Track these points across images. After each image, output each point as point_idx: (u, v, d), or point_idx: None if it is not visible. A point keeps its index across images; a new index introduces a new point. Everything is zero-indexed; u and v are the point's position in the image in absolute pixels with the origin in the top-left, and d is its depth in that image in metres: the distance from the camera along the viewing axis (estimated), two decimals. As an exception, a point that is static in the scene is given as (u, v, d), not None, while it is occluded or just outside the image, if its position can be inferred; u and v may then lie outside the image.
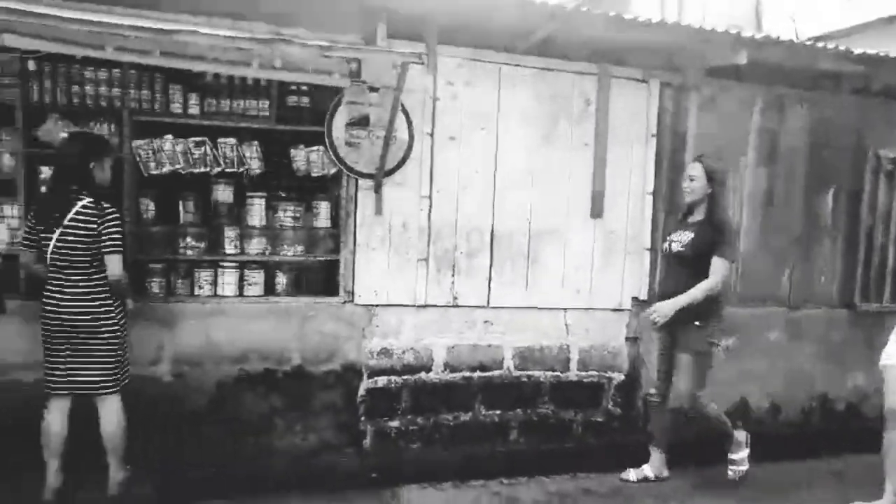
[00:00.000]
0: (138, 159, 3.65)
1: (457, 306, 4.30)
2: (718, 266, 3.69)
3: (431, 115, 4.03)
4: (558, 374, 4.55)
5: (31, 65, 3.24)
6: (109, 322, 3.23)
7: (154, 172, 3.70)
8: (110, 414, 3.29)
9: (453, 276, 4.26)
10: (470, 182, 4.20)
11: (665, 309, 3.73)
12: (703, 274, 3.70)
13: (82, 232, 3.14)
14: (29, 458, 3.26)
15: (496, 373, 4.44)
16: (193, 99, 3.73)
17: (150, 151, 3.66)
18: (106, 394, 3.27)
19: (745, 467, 4.03)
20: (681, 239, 3.82)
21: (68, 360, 3.21)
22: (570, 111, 4.36)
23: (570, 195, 4.43)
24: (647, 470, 4.04)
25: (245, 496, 3.52)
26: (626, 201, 4.54)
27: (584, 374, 4.61)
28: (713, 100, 4.63)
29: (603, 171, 4.42)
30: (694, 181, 3.80)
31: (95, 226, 3.14)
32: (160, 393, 3.79)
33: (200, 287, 3.85)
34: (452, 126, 4.13)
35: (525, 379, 4.49)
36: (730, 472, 4.02)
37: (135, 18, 3.02)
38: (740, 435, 4.06)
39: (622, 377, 4.67)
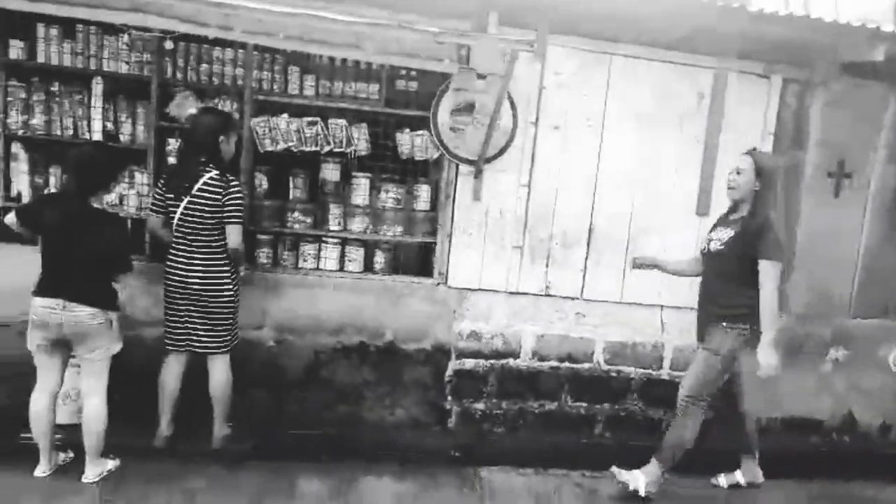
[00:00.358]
0: (255, 136, 3.86)
1: (549, 295, 4.28)
2: (769, 270, 3.35)
3: (537, 104, 3.99)
4: (650, 371, 4.45)
5: (169, 44, 3.48)
6: (226, 288, 3.45)
7: (269, 149, 3.90)
8: (219, 373, 3.54)
9: (547, 265, 4.23)
10: (571, 173, 4.14)
11: (773, 360, 3.39)
12: (742, 275, 3.40)
13: (208, 202, 3.33)
14: (146, 406, 3.57)
15: (585, 365, 4.40)
16: (309, 81, 3.88)
17: (267, 129, 3.86)
18: (217, 353, 3.52)
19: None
20: (720, 237, 3.52)
21: (186, 320, 3.46)
22: (681, 105, 4.19)
23: (676, 191, 4.27)
24: (739, 476, 3.89)
25: (334, 461, 3.70)
26: (736, 201, 4.33)
27: (677, 373, 4.47)
28: (842, 97, 4.29)
29: (712, 169, 4.22)
30: (740, 175, 3.44)
31: (220, 197, 3.33)
32: (262, 357, 4.04)
33: (304, 260, 4.05)
34: (557, 115, 4.08)
35: (615, 374, 4.43)
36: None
37: (262, 2, 3.17)
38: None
39: (716, 380, 4.51)
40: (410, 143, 4.01)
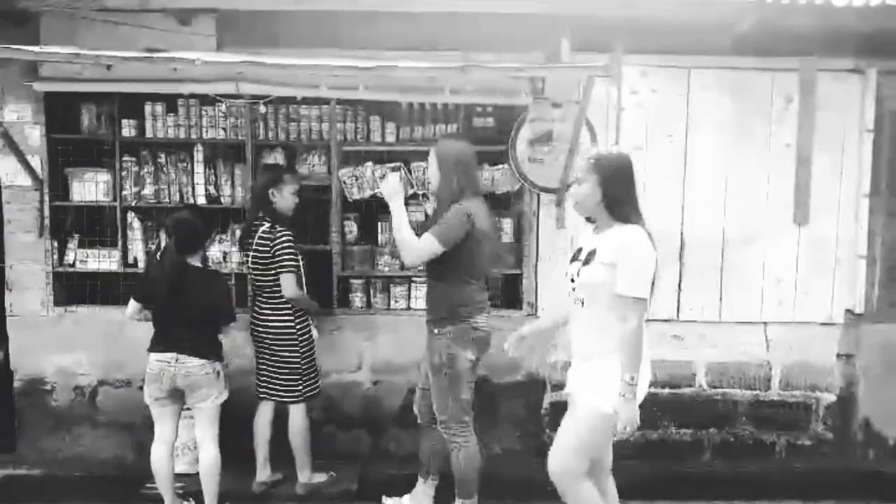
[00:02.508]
0: (343, 185, 3.98)
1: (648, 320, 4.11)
2: None
3: (616, 126, 3.91)
4: (757, 392, 4.17)
5: (262, 108, 3.69)
6: (291, 337, 3.50)
7: (356, 197, 4.00)
8: (294, 420, 3.58)
9: (639, 288, 4.08)
10: (657, 191, 4.00)
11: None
12: None
13: (262, 254, 3.44)
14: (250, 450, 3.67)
15: (687, 390, 4.18)
16: (390, 128, 3.98)
17: (353, 178, 3.97)
18: (290, 402, 3.56)
19: None
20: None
21: (262, 368, 3.59)
22: (767, 111, 3.99)
23: (769, 200, 4.04)
24: None
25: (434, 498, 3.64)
26: (837, 205, 4.04)
27: (787, 393, 4.18)
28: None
29: (807, 174, 3.98)
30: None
31: (269, 248, 3.42)
32: (360, 398, 4.08)
33: (396, 301, 4.09)
34: (638, 135, 3.97)
35: (719, 397, 4.18)
36: None
37: (343, 59, 3.30)
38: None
39: (833, 398, 4.17)
40: (490, 177, 4.01)
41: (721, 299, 4.09)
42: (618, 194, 2.59)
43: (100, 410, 4.02)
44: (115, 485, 3.79)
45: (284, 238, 3.43)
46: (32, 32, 3.72)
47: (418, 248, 2.99)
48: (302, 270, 3.56)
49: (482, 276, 3.22)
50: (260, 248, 3.45)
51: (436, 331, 3.13)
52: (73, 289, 4.02)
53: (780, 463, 4.18)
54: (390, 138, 3.99)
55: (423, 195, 3.98)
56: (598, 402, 2.57)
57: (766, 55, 3.93)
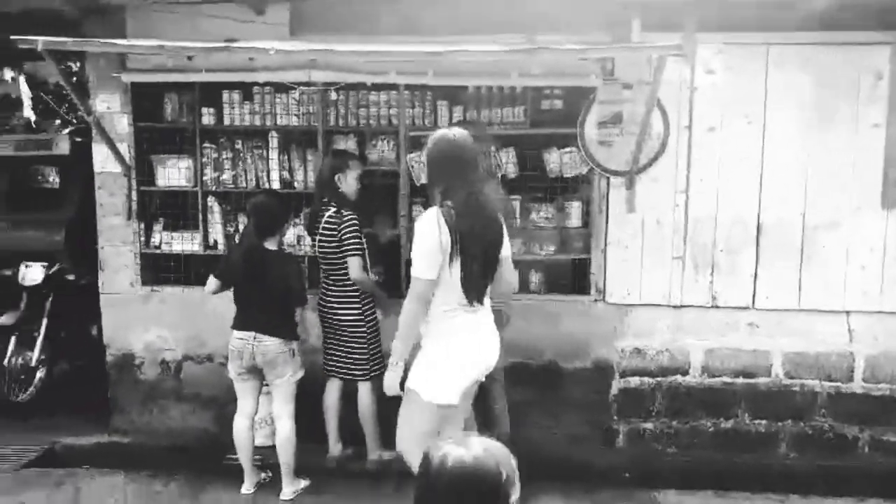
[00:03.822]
0: (410, 170, 4.01)
1: (716, 307, 3.97)
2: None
3: (688, 106, 3.78)
4: (838, 384, 3.97)
5: (334, 95, 3.75)
6: (356, 318, 3.58)
7: (423, 182, 4.02)
8: (362, 398, 3.65)
9: (712, 274, 3.94)
10: (732, 174, 3.85)
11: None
12: None
13: (329, 238, 3.51)
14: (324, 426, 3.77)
15: (762, 380, 4.02)
16: (457, 112, 3.97)
17: (421, 163, 3.98)
18: (359, 380, 3.63)
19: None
20: None
21: (329, 347, 3.66)
22: (853, 89, 3.75)
23: (855, 183, 3.81)
24: None
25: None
26: (931, 188, 3.78)
27: (872, 385, 3.96)
28: None
29: (898, 155, 3.74)
30: None
31: (336, 232, 3.48)
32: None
33: (463, 284, 4.09)
34: (712, 115, 3.81)
35: (797, 388, 4.00)
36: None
37: (411, 45, 3.32)
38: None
39: (923, 392, 3.91)
40: (559, 160, 3.95)
41: (800, 287, 3.90)
42: (430, 178, 2.70)
43: (184, 384, 4.23)
44: (198, 455, 3.98)
45: (351, 222, 3.49)
46: (118, 27, 3.91)
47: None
48: (367, 254, 3.62)
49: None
50: (326, 232, 3.53)
51: None
52: (158, 269, 4.23)
53: (862, 458, 3.98)
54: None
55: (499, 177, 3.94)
56: (413, 385, 2.67)
57: (852, 29, 3.68)
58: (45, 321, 4.73)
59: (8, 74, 7.74)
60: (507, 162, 3.96)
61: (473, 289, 2.56)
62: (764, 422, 4.04)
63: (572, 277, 4.20)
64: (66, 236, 4.85)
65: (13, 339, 4.58)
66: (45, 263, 4.76)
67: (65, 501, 3.56)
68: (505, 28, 3.67)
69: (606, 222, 3.95)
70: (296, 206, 4.07)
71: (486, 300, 2.68)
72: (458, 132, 2.67)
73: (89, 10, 3.79)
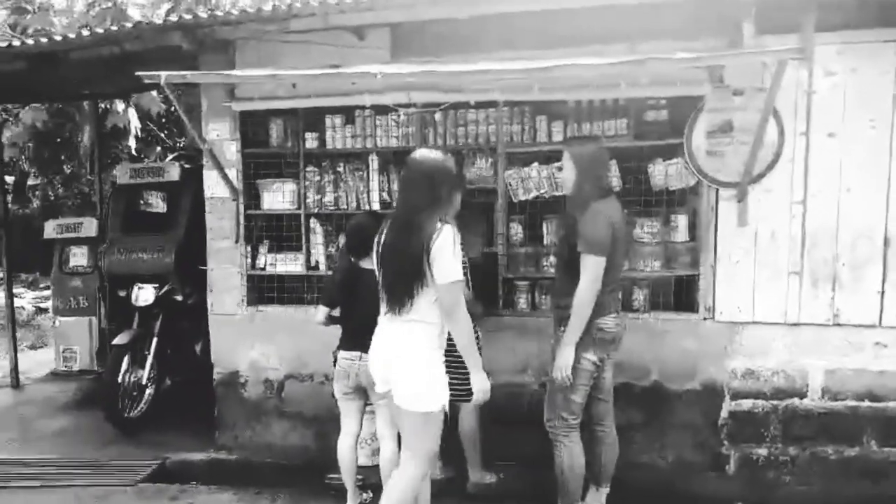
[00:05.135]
0: (508, 187, 3.89)
1: (838, 325, 3.63)
2: (585, 263, 2.95)
3: (806, 112, 3.49)
4: (983, 410, 3.54)
5: (438, 116, 3.70)
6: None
7: (522, 198, 3.90)
8: (463, 419, 3.53)
9: (833, 290, 3.61)
10: (855, 182, 3.53)
11: (562, 360, 3.04)
12: (570, 272, 3.03)
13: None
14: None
15: (892, 404, 3.63)
16: (557, 127, 3.84)
17: (519, 179, 3.87)
18: (458, 401, 3.43)
19: None
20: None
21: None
22: None
23: None
24: None
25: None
26: None
27: None
28: None
29: None
30: (562, 171, 3.14)
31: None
32: (527, 399, 3.93)
33: (561, 302, 3.92)
34: (832, 121, 3.52)
35: (932, 413, 3.59)
36: None
37: (514, 63, 3.22)
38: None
39: None
40: (664, 172, 3.74)
41: (935, 302, 3.51)
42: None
43: (286, 402, 4.22)
44: (300, 473, 3.94)
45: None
46: (228, 58, 4.02)
47: (587, 281, 2.92)
48: (468, 273, 3.49)
49: (614, 278, 3.04)
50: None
51: (561, 328, 3.07)
52: (262, 290, 4.27)
53: None
54: (557, 137, 3.83)
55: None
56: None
57: None
58: (155, 340, 4.88)
59: (120, 107, 8.24)
60: (611, 175, 3.77)
61: (386, 297, 2.67)
62: (894, 450, 3.63)
63: (679, 294, 3.96)
64: (175, 259, 5.01)
65: (126, 357, 4.72)
66: (156, 285, 4.93)
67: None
68: (606, 39, 3.53)
69: (715, 236, 3.69)
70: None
71: (416, 313, 2.61)
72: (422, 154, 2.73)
73: (203, 44, 3.90)
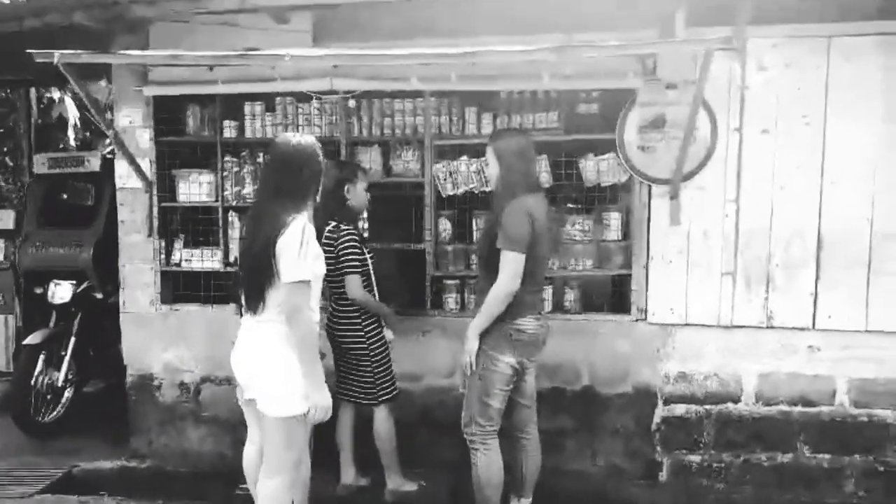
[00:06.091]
0: (437, 181, 3.67)
1: (771, 328, 3.49)
2: (503, 259, 2.72)
3: (739, 108, 3.34)
4: (915, 415, 3.43)
5: (352, 103, 3.44)
6: (359, 339, 3.22)
7: (450, 193, 3.68)
8: (377, 423, 3.30)
9: (767, 291, 3.46)
10: (788, 181, 3.39)
11: (468, 345, 2.87)
12: (491, 271, 2.80)
13: (328, 254, 3.12)
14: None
15: (825, 409, 3.50)
16: (486, 119, 3.63)
17: (448, 173, 3.65)
18: (367, 405, 3.29)
19: None
20: None
21: (338, 370, 3.33)
22: (930, 84, 3.27)
23: (931, 190, 3.31)
24: None
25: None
26: None
27: (953, 417, 3.41)
28: None
29: (983, 158, 3.22)
30: (488, 166, 2.97)
31: (333, 248, 3.14)
32: (454, 403, 3.71)
33: (492, 302, 3.71)
34: (765, 117, 3.37)
35: (865, 419, 3.47)
36: None
37: (432, 48, 3.00)
38: None
39: None
40: (595, 168, 3.55)
41: (867, 305, 3.39)
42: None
43: (202, 406, 3.94)
44: (214, 482, 3.66)
45: (348, 237, 3.16)
46: (143, 40, 3.71)
47: (504, 278, 2.71)
48: (371, 270, 3.27)
49: (534, 277, 2.82)
50: (326, 249, 3.15)
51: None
52: (178, 287, 3.98)
53: (945, 499, 3.41)
54: (487, 129, 3.62)
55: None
56: None
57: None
58: (72, 340, 4.53)
59: (56, 94, 7.76)
60: (540, 170, 3.57)
61: (243, 296, 2.48)
62: (827, 456, 3.52)
63: (611, 295, 3.78)
64: (94, 254, 4.66)
65: (41, 358, 4.37)
66: (74, 282, 4.58)
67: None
68: (539, 28, 3.32)
69: (648, 235, 3.52)
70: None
71: (269, 313, 2.42)
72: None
73: (111, 23, 3.59)
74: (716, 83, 3.22)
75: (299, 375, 2.41)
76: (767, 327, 3.49)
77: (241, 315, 2.60)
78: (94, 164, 4.91)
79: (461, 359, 2.88)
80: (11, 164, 11.08)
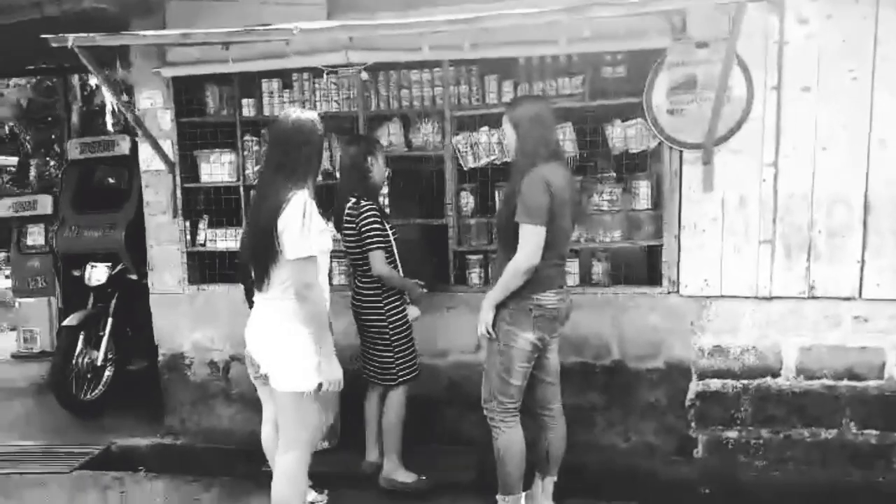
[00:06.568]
0: (457, 153, 3.56)
1: (814, 298, 3.29)
2: (522, 233, 2.59)
3: (777, 65, 3.11)
4: (971, 387, 3.20)
5: (364, 75, 3.35)
6: (377, 318, 3.14)
7: (472, 165, 3.57)
8: (388, 403, 3.21)
9: (808, 260, 3.26)
10: (832, 141, 3.16)
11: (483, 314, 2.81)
12: (509, 242, 2.71)
13: (348, 231, 3.10)
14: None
15: (873, 383, 3.31)
16: (507, 87, 3.48)
17: (468, 145, 3.54)
18: (384, 385, 3.21)
19: None
20: None
21: (363, 350, 3.27)
22: None
23: None
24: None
25: (570, 495, 3.13)
26: None
27: None
28: None
29: None
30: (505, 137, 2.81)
31: (355, 225, 3.06)
32: (479, 378, 3.63)
33: (516, 276, 3.60)
34: (807, 74, 3.14)
35: (917, 392, 3.26)
36: None
37: (444, 14, 2.87)
38: None
39: None
40: (623, 135, 3.38)
41: (920, 271, 3.16)
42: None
43: (232, 385, 3.98)
44: (243, 459, 3.68)
45: (369, 213, 3.07)
46: (160, 22, 3.69)
47: (524, 252, 2.59)
48: (394, 246, 3.18)
49: (556, 249, 2.68)
50: (346, 226, 3.14)
51: (505, 307, 2.74)
52: (204, 268, 4.00)
53: None
54: (508, 98, 3.47)
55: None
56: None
57: None
58: (109, 320, 4.64)
59: (93, 81, 7.94)
60: (564, 138, 3.43)
61: (253, 270, 2.45)
62: (875, 432, 3.33)
63: (642, 267, 3.62)
64: (127, 236, 4.74)
65: (80, 338, 4.49)
66: (109, 264, 4.67)
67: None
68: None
69: (680, 203, 3.35)
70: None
71: (275, 291, 2.40)
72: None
73: (127, 6, 3.58)
74: (751, 39, 3.00)
75: (307, 351, 2.39)
76: (809, 297, 3.30)
77: (247, 297, 2.58)
78: (124, 147, 4.96)
79: (479, 330, 2.80)
80: (59, 150, 11.48)
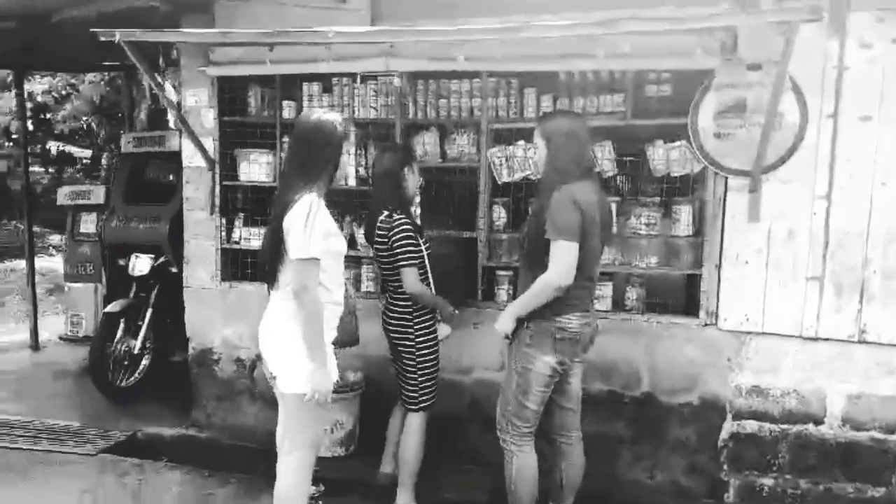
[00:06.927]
0: (492, 167, 3.50)
1: (864, 342, 3.07)
2: (552, 250, 2.51)
3: (835, 91, 2.92)
4: None
5: (397, 82, 3.32)
6: (408, 336, 3.01)
7: (506, 179, 3.49)
8: (407, 430, 3.07)
9: (861, 300, 3.04)
10: (892, 176, 2.94)
11: (502, 326, 2.72)
12: (536, 260, 2.62)
13: (381, 246, 2.98)
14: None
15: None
16: (546, 101, 3.40)
17: (504, 159, 3.47)
18: (408, 408, 3.09)
19: None
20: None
21: (393, 364, 3.18)
22: None
23: None
24: None
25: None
26: None
27: None
28: None
29: None
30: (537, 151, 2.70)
31: (387, 239, 2.94)
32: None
33: (546, 295, 3.50)
34: (867, 101, 2.94)
35: None
36: None
37: (476, 24, 2.84)
38: None
39: None
40: (665, 157, 3.25)
41: None
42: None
43: (257, 383, 4.02)
44: (263, 458, 3.66)
45: (402, 228, 2.93)
46: (210, 21, 3.79)
47: (556, 270, 2.49)
48: (427, 262, 3.06)
49: (584, 270, 2.56)
50: (378, 240, 3.01)
51: (525, 326, 2.65)
52: (238, 265, 4.06)
53: None
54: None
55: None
56: None
57: None
58: (149, 311, 4.78)
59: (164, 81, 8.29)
60: (603, 158, 3.32)
61: (264, 271, 2.49)
62: (930, 492, 3.06)
63: (678, 296, 3.47)
64: (171, 230, 4.88)
65: (120, 325, 4.65)
66: (153, 255, 4.82)
67: (113, 492, 3.44)
68: (606, 5, 3.04)
69: (722, 232, 3.18)
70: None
71: (282, 291, 2.42)
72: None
73: (179, 5, 3.69)
74: (807, 62, 2.83)
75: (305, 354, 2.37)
76: (859, 342, 3.07)
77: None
78: (174, 143, 5.12)
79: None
80: (123, 144, 12.04)
